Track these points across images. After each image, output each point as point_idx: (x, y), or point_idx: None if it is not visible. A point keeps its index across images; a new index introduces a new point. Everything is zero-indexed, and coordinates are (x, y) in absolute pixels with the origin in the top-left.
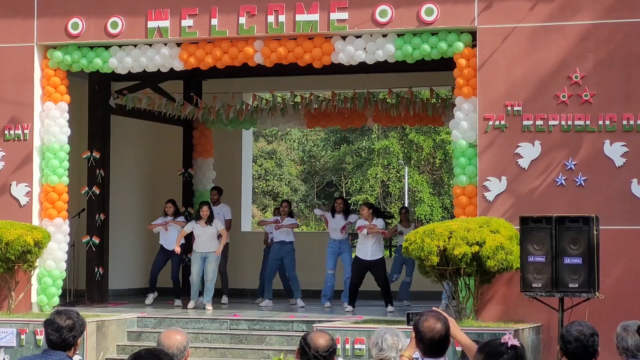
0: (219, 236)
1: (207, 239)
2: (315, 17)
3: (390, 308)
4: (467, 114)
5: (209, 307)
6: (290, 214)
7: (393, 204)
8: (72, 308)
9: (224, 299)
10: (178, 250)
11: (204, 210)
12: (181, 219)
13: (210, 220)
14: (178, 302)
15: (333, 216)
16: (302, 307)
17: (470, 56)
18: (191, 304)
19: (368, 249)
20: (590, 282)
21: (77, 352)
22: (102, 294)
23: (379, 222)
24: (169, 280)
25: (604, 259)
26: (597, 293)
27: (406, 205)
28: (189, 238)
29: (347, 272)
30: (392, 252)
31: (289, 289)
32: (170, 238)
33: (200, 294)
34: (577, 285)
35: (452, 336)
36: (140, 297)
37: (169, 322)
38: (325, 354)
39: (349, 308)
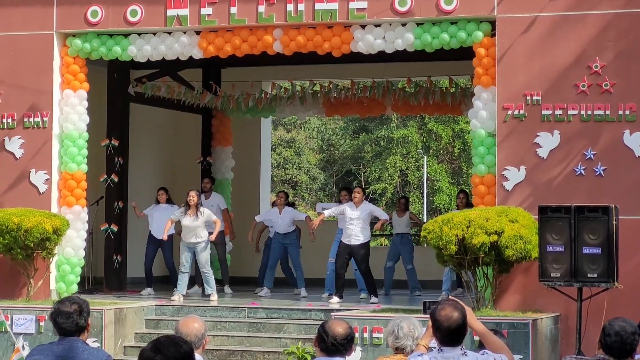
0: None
1: (195, 230)
2: (334, 5)
3: (373, 299)
4: (486, 103)
5: (214, 297)
6: (289, 204)
7: (412, 193)
8: (71, 295)
9: (227, 289)
10: (166, 237)
11: (191, 197)
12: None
13: (198, 209)
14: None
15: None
16: (304, 296)
17: (490, 45)
18: (176, 297)
19: (351, 233)
20: (609, 272)
21: (95, 339)
22: (121, 282)
23: (376, 210)
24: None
25: (623, 249)
26: (616, 283)
27: (405, 195)
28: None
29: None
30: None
31: (290, 278)
32: (159, 225)
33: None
34: (595, 275)
35: (468, 325)
36: (159, 285)
37: (187, 310)
38: (344, 342)
39: (335, 299)
